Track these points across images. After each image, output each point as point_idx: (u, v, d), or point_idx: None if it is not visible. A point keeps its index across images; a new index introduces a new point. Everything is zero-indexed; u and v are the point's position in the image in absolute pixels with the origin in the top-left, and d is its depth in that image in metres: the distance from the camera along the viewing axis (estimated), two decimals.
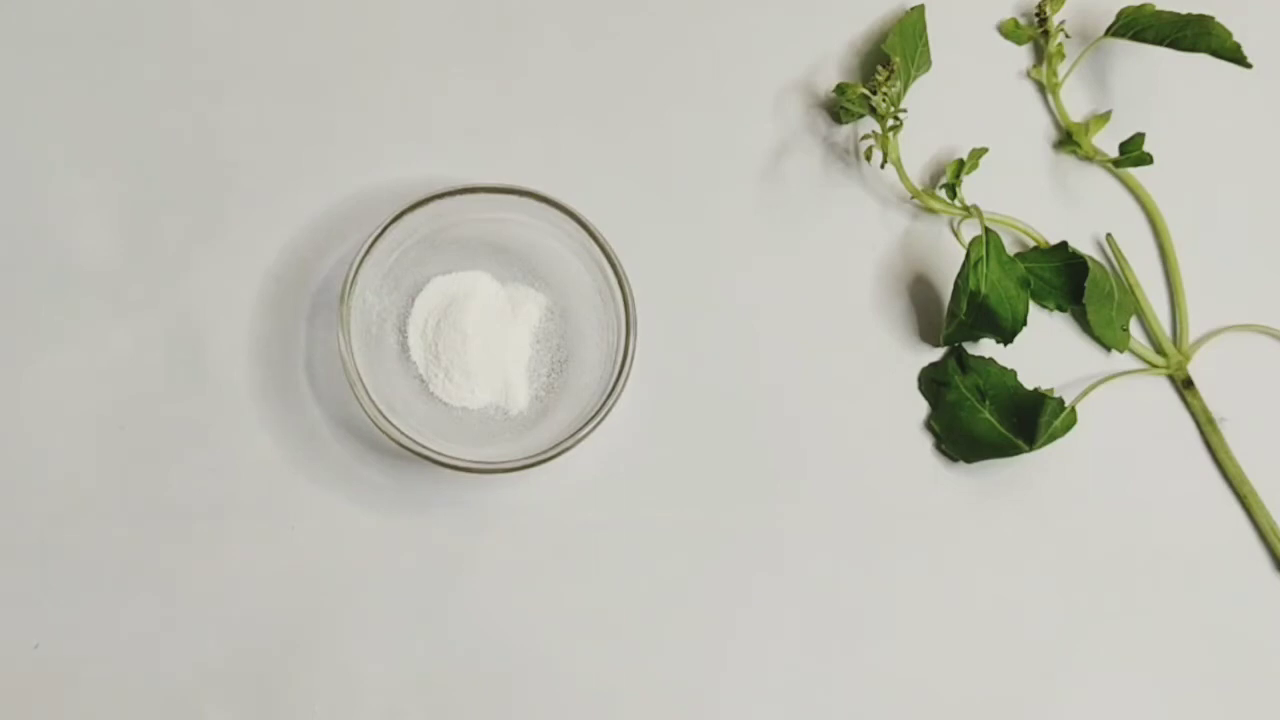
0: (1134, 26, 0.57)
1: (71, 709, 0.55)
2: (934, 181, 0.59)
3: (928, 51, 0.59)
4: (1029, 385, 0.57)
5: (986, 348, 0.58)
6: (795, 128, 0.60)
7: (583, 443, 0.53)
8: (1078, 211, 0.59)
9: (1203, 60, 0.55)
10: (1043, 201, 0.59)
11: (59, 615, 0.55)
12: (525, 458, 0.53)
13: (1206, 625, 0.57)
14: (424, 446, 0.53)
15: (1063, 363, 0.58)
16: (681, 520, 0.56)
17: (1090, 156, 0.59)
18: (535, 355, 0.57)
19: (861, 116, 0.58)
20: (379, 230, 0.54)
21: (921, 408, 0.58)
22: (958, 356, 0.57)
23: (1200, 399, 0.58)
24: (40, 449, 0.56)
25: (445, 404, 0.56)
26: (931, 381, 0.57)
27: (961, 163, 0.58)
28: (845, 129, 0.60)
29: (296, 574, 0.56)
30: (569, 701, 0.55)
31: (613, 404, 0.53)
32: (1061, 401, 0.56)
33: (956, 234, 0.57)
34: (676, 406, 0.57)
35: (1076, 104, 0.60)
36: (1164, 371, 0.58)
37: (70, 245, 0.57)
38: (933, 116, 0.59)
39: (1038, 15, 0.59)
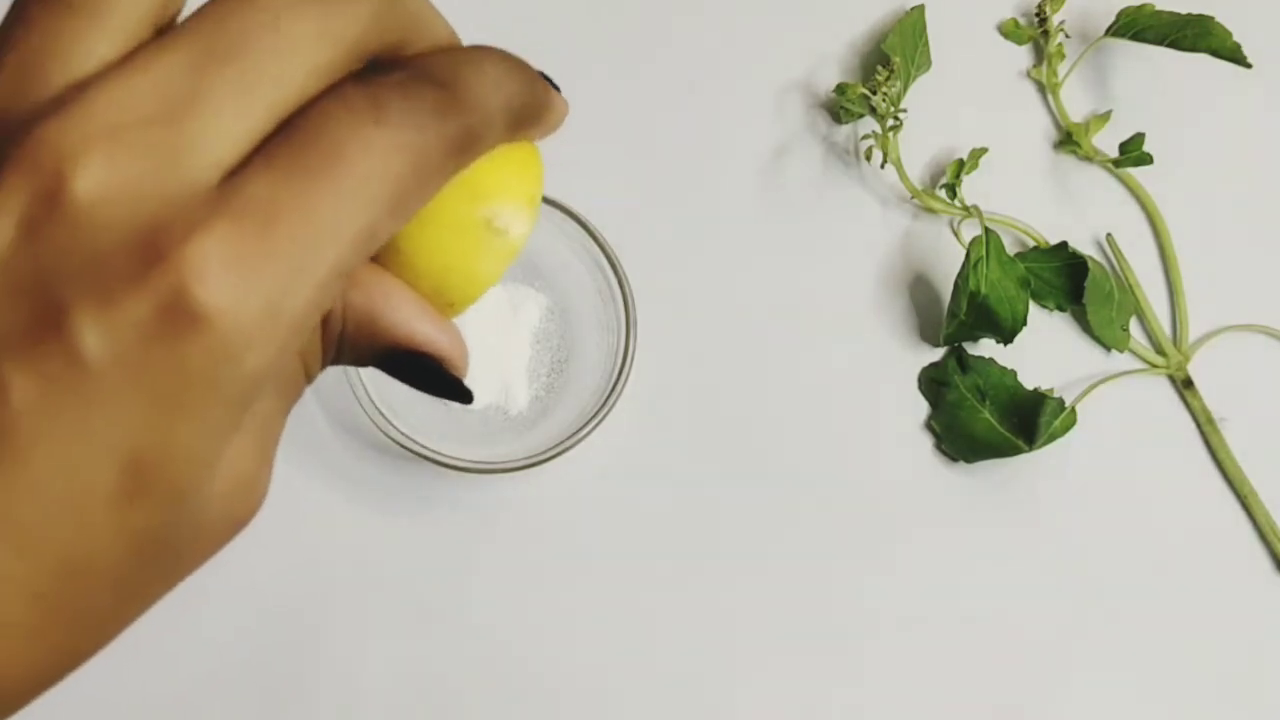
0: (1134, 26, 0.57)
1: (72, 708, 0.55)
2: (934, 181, 0.59)
3: (928, 51, 0.59)
4: (1029, 385, 0.57)
5: (986, 348, 0.58)
6: (795, 128, 0.60)
7: (583, 443, 0.53)
8: (1078, 211, 0.59)
9: (1203, 60, 0.55)
10: (1043, 201, 0.59)
11: None
12: (525, 458, 0.53)
13: (1206, 625, 0.57)
14: (424, 446, 0.53)
15: (1063, 363, 0.58)
16: (681, 520, 0.56)
17: (1090, 156, 0.59)
18: (535, 355, 0.57)
19: (861, 116, 0.58)
20: None
21: (921, 408, 0.58)
22: (958, 356, 0.57)
23: (1200, 399, 0.58)
24: None
25: (445, 404, 0.56)
26: (931, 381, 0.58)
27: (961, 163, 0.58)
28: (845, 129, 0.60)
29: (296, 574, 0.56)
30: (570, 701, 0.55)
31: (613, 404, 0.53)
32: (1061, 401, 0.56)
33: (956, 234, 0.57)
34: (676, 406, 0.57)
35: (1076, 104, 0.60)
36: (1164, 371, 0.58)
37: None
38: (933, 116, 0.59)
39: (1038, 15, 0.59)
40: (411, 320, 0.26)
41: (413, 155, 0.23)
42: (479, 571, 0.56)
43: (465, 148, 0.24)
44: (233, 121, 0.22)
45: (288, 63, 0.22)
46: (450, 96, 0.24)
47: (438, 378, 0.27)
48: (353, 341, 0.26)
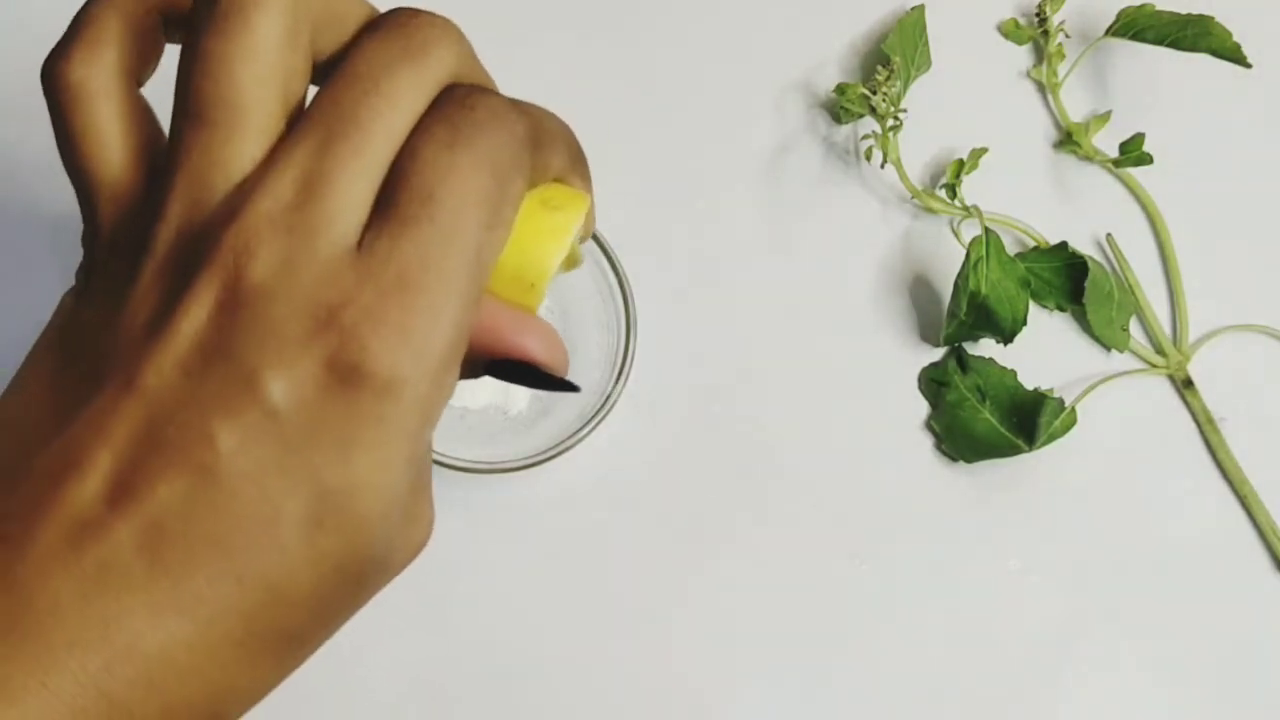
0: (1134, 26, 0.57)
1: None
2: (934, 181, 0.59)
3: (928, 51, 0.59)
4: (1029, 385, 0.57)
5: (986, 348, 0.58)
6: (795, 128, 0.60)
7: (583, 443, 0.53)
8: (1078, 211, 0.59)
9: (1203, 60, 0.55)
10: (1043, 201, 0.59)
11: None
12: (525, 458, 0.53)
13: (1206, 625, 0.57)
14: None
15: (1063, 363, 0.58)
16: (681, 520, 0.56)
17: (1090, 156, 0.59)
18: None
19: (861, 116, 0.58)
20: None
21: (921, 408, 0.58)
22: (958, 356, 0.57)
23: (1200, 399, 0.58)
24: None
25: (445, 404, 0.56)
26: (931, 381, 0.58)
27: (961, 163, 0.58)
28: (845, 129, 0.60)
29: None
30: (570, 701, 0.55)
31: (613, 404, 0.53)
32: (1061, 401, 0.56)
33: (956, 234, 0.57)
34: (676, 406, 0.57)
35: (1076, 104, 0.60)
36: (1164, 371, 0.58)
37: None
38: (933, 116, 0.59)
39: (1038, 15, 0.59)
40: (507, 331, 0.30)
41: (489, 166, 0.27)
42: (479, 571, 0.56)
43: (532, 143, 0.28)
44: (358, 183, 0.26)
45: (391, 119, 0.27)
46: (509, 101, 0.28)
47: (541, 377, 0.30)
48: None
